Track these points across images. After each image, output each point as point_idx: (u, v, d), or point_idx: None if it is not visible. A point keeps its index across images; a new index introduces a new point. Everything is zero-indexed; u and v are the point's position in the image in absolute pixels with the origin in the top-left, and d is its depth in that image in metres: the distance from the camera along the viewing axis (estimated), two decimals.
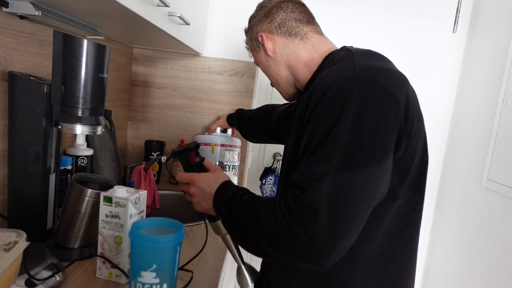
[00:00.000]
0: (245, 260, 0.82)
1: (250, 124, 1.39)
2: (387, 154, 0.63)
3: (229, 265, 1.34)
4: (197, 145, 0.80)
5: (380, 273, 0.72)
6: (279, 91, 0.94)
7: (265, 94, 1.82)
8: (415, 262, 0.79)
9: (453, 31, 1.79)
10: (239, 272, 0.79)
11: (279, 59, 0.87)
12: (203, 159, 0.82)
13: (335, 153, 0.60)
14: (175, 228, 0.70)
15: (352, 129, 0.60)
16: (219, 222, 0.79)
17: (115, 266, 0.79)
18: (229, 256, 1.10)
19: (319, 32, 0.88)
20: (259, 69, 1.75)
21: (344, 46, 0.81)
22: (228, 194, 0.74)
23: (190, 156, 0.80)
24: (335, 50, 0.82)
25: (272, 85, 0.95)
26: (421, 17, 1.79)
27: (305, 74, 0.85)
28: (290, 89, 0.90)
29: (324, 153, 0.61)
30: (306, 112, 0.69)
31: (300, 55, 0.85)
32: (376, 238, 0.70)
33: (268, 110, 1.32)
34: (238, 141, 1.59)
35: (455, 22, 1.79)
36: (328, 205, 0.58)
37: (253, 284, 0.82)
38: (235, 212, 0.70)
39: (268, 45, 0.87)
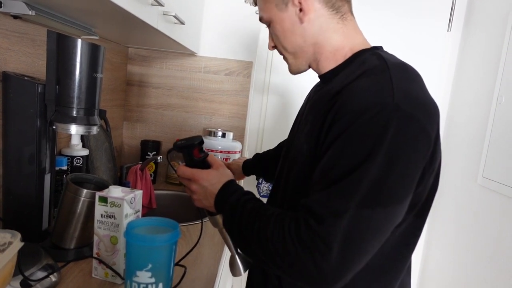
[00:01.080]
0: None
1: (272, 161, 1.14)
2: (409, 194, 0.61)
3: (226, 264, 1.34)
4: (201, 141, 0.77)
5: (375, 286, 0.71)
6: (287, 62, 0.81)
7: (261, 93, 1.82)
8: (410, 275, 0.79)
9: (448, 30, 1.80)
10: (232, 261, 0.78)
11: (309, 31, 0.74)
12: (207, 155, 0.79)
13: (360, 189, 0.58)
14: (171, 227, 0.70)
15: (383, 167, 0.58)
16: (218, 217, 0.76)
17: (109, 267, 0.79)
18: (226, 254, 1.11)
19: (353, 14, 0.77)
20: (255, 68, 1.75)
21: (375, 48, 0.74)
22: (233, 197, 0.71)
23: (194, 151, 0.77)
24: (366, 50, 0.74)
25: (279, 51, 0.81)
26: (416, 15, 1.79)
27: (328, 63, 0.76)
28: (303, 66, 0.80)
29: (349, 187, 0.58)
30: (332, 128, 0.63)
31: (332, 38, 0.74)
32: (376, 260, 0.68)
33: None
34: (238, 145, 1.59)
35: (450, 21, 1.79)
36: (342, 241, 0.57)
37: (246, 273, 0.81)
38: (239, 219, 0.68)
39: (306, 6, 0.72)
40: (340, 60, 0.74)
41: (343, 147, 0.60)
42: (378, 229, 0.59)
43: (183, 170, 0.77)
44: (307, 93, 0.92)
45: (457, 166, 1.72)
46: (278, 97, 1.84)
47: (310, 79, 1.01)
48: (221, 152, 1.51)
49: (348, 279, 0.60)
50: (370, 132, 0.59)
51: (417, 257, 1.91)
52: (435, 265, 1.82)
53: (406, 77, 0.65)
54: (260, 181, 1.85)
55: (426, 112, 0.62)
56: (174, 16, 1.09)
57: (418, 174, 0.62)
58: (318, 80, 0.83)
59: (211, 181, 0.74)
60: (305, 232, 0.59)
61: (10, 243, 0.59)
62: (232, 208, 0.70)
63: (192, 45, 1.54)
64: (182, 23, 1.17)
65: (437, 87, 1.84)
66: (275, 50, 0.82)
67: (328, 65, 0.76)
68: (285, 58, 0.81)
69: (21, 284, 0.68)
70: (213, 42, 1.70)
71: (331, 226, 0.58)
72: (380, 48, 0.75)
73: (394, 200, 0.59)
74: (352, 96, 0.63)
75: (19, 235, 0.59)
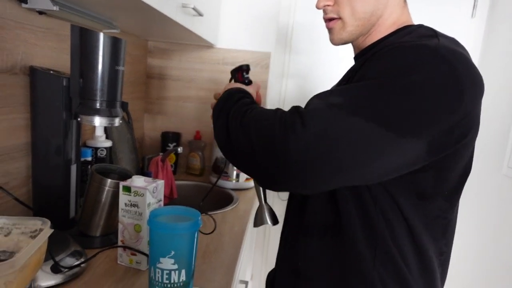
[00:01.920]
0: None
1: None
2: (413, 133, 0.55)
3: (246, 253, 1.36)
4: (247, 67, 0.87)
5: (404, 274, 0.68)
6: (345, 28, 0.73)
7: (280, 84, 1.82)
8: (446, 267, 0.76)
9: (472, 16, 1.74)
10: (260, 211, 0.81)
11: (383, 0, 0.70)
12: (250, 81, 0.89)
13: (364, 98, 0.55)
14: (192, 216, 0.71)
15: (400, 92, 0.54)
16: None
17: (137, 251, 0.82)
18: (245, 246, 1.12)
19: None
20: (273, 59, 1.75)
21: (422, 25, 0.72)
22: (236, 88, 0.77)
23: (238, 74, 0.88)
24: (412, 25, 0.73)
25: (340, 13, 0.72)
26: (439, 1, 1.74)
27: (377, 36, 0.73)
28: (355, 36, 0.74)
29: (355, 92, 0.56)
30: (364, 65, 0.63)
31: (394, 12, 0.72)
32: (399, 238, 0.66)
33: None
34: None
35: (474, 6, 1.74)
36: (319, 128, 0.54)
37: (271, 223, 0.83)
38: (232, 100, 0.72)
39: None
40: (389, 32, 0.72)
41: (368, 69, 0.59)
42: (363, 142, 0.54)
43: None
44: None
45: (481, 156, 1.68)
46: (297, 88, 1.83)
47: (330, 68, 1.00)
48: None
49: (313, 182, 0.56)
50: (401, 59, 0.57)
51: None
52: (457, 254, 1.79)
53: (455, 43, 0.63)
54: None
55: (468, 69, 0.58)
56: (193, 8, 1.10)
57: (436, 123, 0.56)
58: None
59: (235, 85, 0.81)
60: (290, 112, 0.60)
61: (40, 230, 0.62)
62: (231, 92, 0.75)
63: (211, 37, 1.55)
64: (200, 15, 1.18)
65: None
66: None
67: (375, 38, 0.73)
68: (339, 24, 0.73)
69: (51, 268, 0.72)
70: (231, 34, 1.71)
71: (317, 111, 0.56)
72: (423, 24, 0.73)
73: (394, 127, 0.54)
74: (392, 44, 0.63)
75: (49, 222, 0.62)
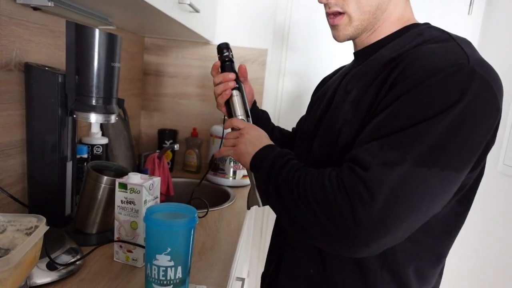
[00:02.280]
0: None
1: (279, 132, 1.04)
2: (468, 164, 0.57)
3: (242, 250, 1.37)
4: (226, 44, 0.88)
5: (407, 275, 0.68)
6: (351, 23, 0.70)
7: (276, 81, 1.82)
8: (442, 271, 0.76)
9: (468, 13, 1.75)
10: (252, 192, 0.83)
11: None
12: (232, 60, 0.88)
13: (420, 145, 0.53)
14: (189, 213, 0.71)
15: (451, 127, 0.53)
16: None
17: (133, 244, 0.82)
18: (241, 243, 1.12)
19: None
20: (270, 55, 1.75)
21: (428, 24, 0.71)
22: (283, 151, 0.72)
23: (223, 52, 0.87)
24: (419, 24, 0.71)
25: (346, 8, 0.69)
26: None
27: (382, 33, 0.71)
28: (360, 31, 0.72)
29: (408, 140, 0.54)
30: (393, 88, 0.58)
31: (398, 6, 0.70)
32: (418, 247, 0.66)
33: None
34: None
35: (471, 4, 1.74)
36: (388, 192, 0.52)
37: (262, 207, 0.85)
38: (279, 168, 0.67)
39: None
40: (394, 30, 0.71)
41: (408, 103, 0.55)
42: (430, 192, 0.54)
43: (237, 121, 0.82)
44: (329, 77, 0.90)
45: None
46: (293, 85, 1.83)
47: (327, 66, 1.00)
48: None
49: (385, 244, 0.55)
50: (445, 90, 0.54)
51: None
52: (453, 253, 1.80)
53: (474, 49, 0.62)
54: None
55: (497, 83, 0.58)
56: (189, 5, 1.10)
57: (481, 146, 0.58)
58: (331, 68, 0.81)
59: (260, 133, 0.78)
60: (348, 177, 0.55)
61: (36, 227, 0.62)
62: (277, 156, 0.70)
63: (207, 33, 1.54)
64: (197, 11, 1.18)
65: None
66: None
67: (380, 35, 0.71)
68: (345, 19, 0.70)
69: (47, 266, 0.72)
70: (228, 31, 1.70)
71: (379, 174, 0.53)
72: (430, 24, 0.72)
73: (453, 166, 0.55)
74: (420, 57, 0.58)
75: (44, 220, 0.62)
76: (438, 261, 0.71)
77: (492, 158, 1.56)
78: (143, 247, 0.81)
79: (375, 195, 0.53)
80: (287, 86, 1.84)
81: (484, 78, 0.56)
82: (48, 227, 0.60)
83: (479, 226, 1.62)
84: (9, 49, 0.85)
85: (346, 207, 0.54)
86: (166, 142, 1.72)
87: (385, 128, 0.57)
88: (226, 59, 0.88)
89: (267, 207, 1.91)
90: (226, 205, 1.32)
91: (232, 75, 0.85)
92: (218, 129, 1.59)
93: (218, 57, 0.89)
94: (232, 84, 0.85)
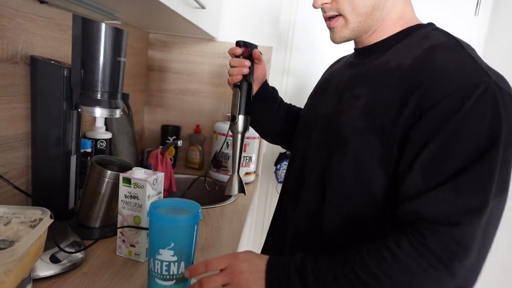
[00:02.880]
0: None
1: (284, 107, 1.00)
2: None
3: (244, 248, 1.37)
4: (256, 46, 0.90)
5: None
6: (347, 25, 0.69)
7: (281, 78, 1.82)
8: None
9: (475, 14, 1.74)
10: (230, 180, 0.86)
11: None
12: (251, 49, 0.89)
13: (494, 179, 0.52)
14: (192, 208, 0.71)
15: (503, 152, 0.53)
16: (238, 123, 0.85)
17: (136, 228, 0.82)
18: (243, 240, 1.13)
19: None
20: (275, 53, 1.74)
21: (431, 24, 0.70)
22: (293, 260, 0.60)
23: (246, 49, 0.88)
24: (422, 25, 0.70)
25: (340, 10, 0.68)
26: None
27: (383, 33, 0.70)
28: (359, 32, 0.70)
29: (482, 179, 0.52)
30: (426, 114, 0.55)
31: (397, 4, 0.68)
32: None
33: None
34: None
35: (477, 5, 1.73)
36: (481, 240, 0.52)
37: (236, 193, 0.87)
38: (314, 279, 0.56)
39: None
40: (396, 30, 0.69)
41: (454, 135, 0.53)
42: (498, 219, 0.55)
43: (216, 261, 0.64)
44: (332, 66, 0.89)
45: None
46: (298, 82, 1.83)
47: (331, 62, 1.00)
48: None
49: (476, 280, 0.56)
50: (484, 115, 0.53)
51: None
52: None
53: (479, 56, 0.61)
54: (278, 167, 1.86)
55: (510, 87, 0.59)
56: (195, 0, 1.09)
57: None
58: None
59: (248, 263, 0.62)
60: (434, 240, 0.52)
61: (40, 219, 0.62)
62: (300, 273, 0.57)
63: (212, 30, 1.54)
64: (202, 7, 1.17)
65: None
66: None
67: (381, 36, 0.70)
68: (341, 22, 0.70)
69: (50, 258, 0.72)
70: (233, 27, 1.70)
71: (471, 226, 0.51)
72: (434, 24, 0.70)
73: (507, 186, 0.56)
74: (443, 74, 0.56)
75: (49, 212, 0.62)
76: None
77: None
78: (146, 229, 0.80)
79: (471, 247, 0.52)
80: (291, 86, 1.84)
81: (506, 91, 0.56)
82: (53, 219, 0.61)
83: None
84: (16, 42, 0.85)
85: (443, 272, 0.52)
86: (169, 138, 1.72)
87: (440, 169, 0.53)
88: (246, 45, 0.91)
89: (268, 204, 1.91)
90: (228, 202, 1.32)
91: (248, 63, 0.86)
92: (221, 126, 1.59)
93: (237, 43, 0.90)
94: (246, 70, 0.87)
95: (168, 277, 0.67)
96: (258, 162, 1.74)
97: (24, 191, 0.75)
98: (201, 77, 1.75)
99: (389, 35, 0.70)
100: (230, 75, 0.88)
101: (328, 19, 0.72)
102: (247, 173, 1.56)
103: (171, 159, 1.59)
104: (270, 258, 0.63)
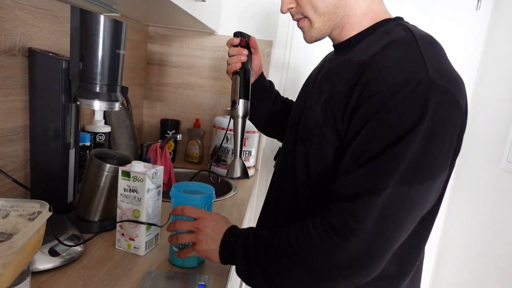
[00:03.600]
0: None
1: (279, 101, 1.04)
2: (444, 170, 0.61)
3: None
4: (240, 33, 0.93)
5: (390, 271, 0.70)
6: (312, 26, 0.73)
7: (281, 72, 1.81)
8: (423, 259, 0.77)
9: (476, 8, 1.73)
10: (233, 164, 0.90)
11: None
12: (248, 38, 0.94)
13: (400, 166, 0.56)
14: (207, 190, 0.84)
15: (422, 143, 0.57)
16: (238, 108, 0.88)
17: (136, 222, 0.82)
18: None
19: None
20: (275, 47, 1.73)
21: (398, 18, 0.72)
22: (242, 231, 0.71)
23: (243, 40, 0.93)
24: (390, 20, 0.71)
25: (304, 12, 0.72)
26: None
27: (351, 29, 0.72)
28: (327, 31, 0.73)
29: (387, 164, 0.57)
30: (363, 105, 0.60)
31: (361, 1, 0.71)
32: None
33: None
34: None
35: None
36: (378, 219, 0.57)
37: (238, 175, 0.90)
38: (254, 246, 0.67)
39: None
40: (364, 26, 0.71)
41: (379, 125, 0.58)
42: (414, 206, 0.59)
43: (193, 209, 0.75)
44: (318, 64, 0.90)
45: (478, 150, 1.68)
46: (298, 76, 1.82)
47: None
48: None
49: (386, 259, 0.59)
50: (409, 108, 0.57)
51: (433, 242, 1.90)
52: (452, 250, 1.80)
53: (435, 51, 0.64)
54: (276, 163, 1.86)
55: (458, 87, 0.61)
56: None
57: (452, 150, 0.61)
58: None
59: (216, 222, 0.74)
60: (335, 217, 0.59)
61: (39, 212, 0.61)
62: (244, 239, 0.69)
63: (212, 23, 1.53)
64: (202, 0, 1.16)
65: (463, 68, 1.78)
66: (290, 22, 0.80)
67: (350, 32, 0.73)
68: (306, 23, 0.74)
69: (49, 251, 0.72)
70: (233, 21, 1.69)
71: (366, 203, 0.57)
72: (402, 19, 0.72)
73: (430, 176, 0.59)
74: (383, 70, 0.61)
75: (47, 205, 0.61)
76: (417, 249, 0.72)
77: (496, 156, 1.56)
78: (145, 223, 0.82)
79: (365, 223, 0.57)
80: (290, 79, 1.83)
81: (443, 87, 0.58)
82: (51, 213, 0.60)
83: (482, 223, 1.62)
84: (13, 34, 0.84)
85: (343, 247, 0.58)
86: (168, 132, 1.71)
87: (362, 155, 0.59)
88: (243, 36, 0.94)
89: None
90: (228, 196, 1.32)
91: (245, 51, 0.91)
92: (221, 120, 1.58)
93: (235, 34, 0.94)
94: (244, 58, 0.91)
95: (181, 246, 0.78)
96: (258, 157, 1.73)
97: (23, 184, 0.75)
98: (201, 71, 1.74)
99: (358, 31, 0.72)
100: (228, 64, 0.92)
101: (297, 21, 0.76)
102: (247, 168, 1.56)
103: (170, 153, 1.58)
104: (233, 226, 0.74)
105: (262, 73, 1.01)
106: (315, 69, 0.88)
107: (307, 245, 0.61)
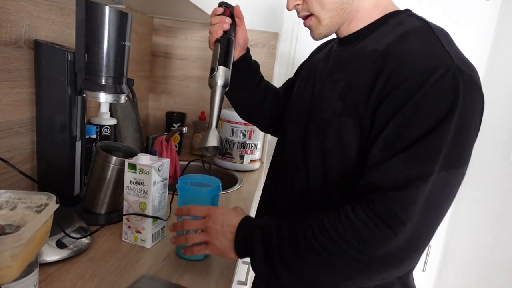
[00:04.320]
0: None
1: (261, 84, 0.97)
2: (470, 156, 0.61)
3: None
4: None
5: None
6: (320, 23, 0.72)
7: (286, 65, 1.79)
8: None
9: None
10: (206, 134, 0.80)
11: None
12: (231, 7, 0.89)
13: (441, 152, 0.56)
14: (214, 183, 0.84)
15: (456, 129, 0.57)
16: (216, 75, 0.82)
17: (142, 215, 0.82)
18: None
19: None
20: (281, 39, 1.72)
21: (407, 11, 0.71)
22: (261, 221, 0.66)
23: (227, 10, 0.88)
24: (400, 12, 0.70)
25: (311, 9, 0.71)
26: None
27: (360, 22, 0.71)
28: (335, 27, 0.72)
29: (429, 150, 0.56)
30: (391, 94, 0.59)
31: None
32: None
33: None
34: None
35: None
36: (424, 206, 0.56)
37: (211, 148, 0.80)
38: (277, 242, 0.62)
39: None
40: (373, 18, 0.70)
41: (413, 112, 0.57)
42: (452, 192, 0.59)
43: (199, 208, 0.73)
44: (319, 50, 0.89)
45: (487, 143, 1.66)
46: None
47: None
48: (245, 124, 1.51)
49: (425, 250, 0.59)
50: (442, 94, 0.56)
51: (439, 237, 1.89)
52: (458, 245, 1.79)
53: (450, 41, 0.64)
54: None
55: (477, 74, 0.61)
56: None
57: (477, 135, 0.62)
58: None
59: (225, 216, 0.70)
60: (381, 206, 0.57)
61: (46, 204, 0.61)
62: (266, 231, 0.64)
63: None
64: None
65: (472, 60, 1.75)
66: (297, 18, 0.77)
67: (359, 25, 0.71)
68: (314, 20, 0.72)
69: (57, 243, 0.72)
70: None
71: (414, 191, 0.55)
72: (411, 11, 0.71)
73: (463, 161, 0.59)
74: (408, 57, 0.60)
75: (54, 197, 0.61)
76: None
77: (505, 149, 1.54)
78: (151, 216, 0.82)
79: (414, 213, 0.55)
80: None
81: (468, 74, 0.58)
82: (59, 205, 0.60)
83: (490, 217, 1.61)
84: (19, 26, 0.84)
85: (391, 239, 0.56)
86: (174, 125, 1.71)
87: (397, 142, 0.58)
88: (227, 6, 0.90)
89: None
90: (233, 189, 1.32)
91: (228, 19, 0.86)
92: (226, 113, 1.58)
93: (219, 4, 0.90)
94: (227, 26, 0.86)
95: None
96: (264, 150, 1.73)
97: (30, 177, 0.75)
98: (207, 63, 1.73)
99: (366, 24, 0.71)
100: (210, 33, 0.87)
101: (303, 18, 0.75)
102: (252, 160, 1.56)
103: (176, 146, 1.58)
104: (245, 217, 0.69)
105: (248, 49, 0.95)
106: (316, 59, 0.85)
107: (350, 234, 0.58)
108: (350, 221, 0.58)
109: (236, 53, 0.90)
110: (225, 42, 0.85)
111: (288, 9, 0.74)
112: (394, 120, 0.58)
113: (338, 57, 0.74)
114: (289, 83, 1.00)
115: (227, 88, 0.83)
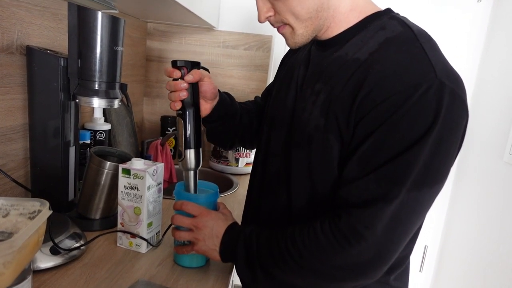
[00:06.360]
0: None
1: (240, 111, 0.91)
2: (449, 171, 0.61)
3: None
4: (198, 64, 0.78)
5: None
6: (294, 32, 0.68)
7: None
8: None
9: (478, 0, 1.71)
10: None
11: None
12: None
13: (411, 172, 0.56)
14: (211, 189, 0.83)
15: (434, 146, 0.56)
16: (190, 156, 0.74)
17: (136, 236, 0.82)
18: None
19: None
20: (275, 42, 1.72)
21: (389, 10, 0.68)
22: (244, 230, 0.71)
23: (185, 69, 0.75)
24: (381, 14, 0.67)
25: (285, 20, 0.67)
26: None
27: (338, 27, 0.68)
28: (311, 35, 0.69)
29: (399, 171, 0.56)
30: (371, 111, 0.58)
31: None
32: None
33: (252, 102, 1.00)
34: None
35: None
36: (388, 224, 0.57)
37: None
38: (257, 248, 0.67)
39: None
40: (352, 22, 0.67)
41: (390, 131, 0.57)
42: (423, 209, 0.60)
43: (191, 204, 0.75)
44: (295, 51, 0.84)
45: (481, 143, 1.67)
46: None
47: None
48: None
49: (392, 261, 0.60)
50: (421, 113, 0.56)
51: (436, 238, 1.89)
52: (455, 245, 1.80)
53: (434, 48, 0.62)
54: None
55: (461, 86, 0.60)
56: None
57: (457, 150, 0.61)
58: None
59: (215, 221, 0.73)
60: (345, 223, 0.59)
61: (39, 211, 0.61)
62: (246, 240, 0.69)
63: (211, 19, 1.52)
64: None
65: (464, 61, 1.77)
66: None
67: (339, 29, 0.68)
68: (288, 29, 0.68)
69: (50, 250, 0.72)
70: (232, 16, 1.67)
71: (378, 210, 0.57)
72: (391, 10, 0.68)
73: (438, 179, 0.59)
74: (390, 73, 0.58)
75: (47, 204, 0.61)
76: (408, 246, 0.71)
77: (498, 149, 1.55)
78: (145, 239, 0.82)
79: (376, 230, 0.57)
80: None
81: (452, 89, 0.57)
82: (52, 211, 0.60)
83: (485, 216, 1.61)
84: (11, 32, 0.84)
85: (351, 252, 0.58)
86: (169, 129, 1.71)
87: (372, 161, 0.58)
88: (183, 65, 0.76)
89: None
90: (229, 192, 1.32)
91: (185, 85, 0.74)
92: None
93: (172, 63, 0.76)
94: (184, 94, 0.74)
95: (185, 242, 0.77)
96: None
97: (22, 185, 0.74)
98: None
99: (345, 28, 0.68)
100: (169, 100, 0.77)
101: (276, 28, 0.71)
102: (247, 164, 1.56)
103: (171, 150, 1.58)
104: (232, 223, 0.74)
105: (220, 93, 0.86)
106: (294, 62, 0.80)
107: (315, 249, 0.61)
108: (316, 236, 0.61)
109: (207, 107, 0.82)
110: (188, 116, 0.74)
111: (260, 22, 0.70)
112: (372, 137, 0.58)
113: (319, 65, 0.71)
114: (271, 91, 0.91)
115: (199, 166, 0.77)
